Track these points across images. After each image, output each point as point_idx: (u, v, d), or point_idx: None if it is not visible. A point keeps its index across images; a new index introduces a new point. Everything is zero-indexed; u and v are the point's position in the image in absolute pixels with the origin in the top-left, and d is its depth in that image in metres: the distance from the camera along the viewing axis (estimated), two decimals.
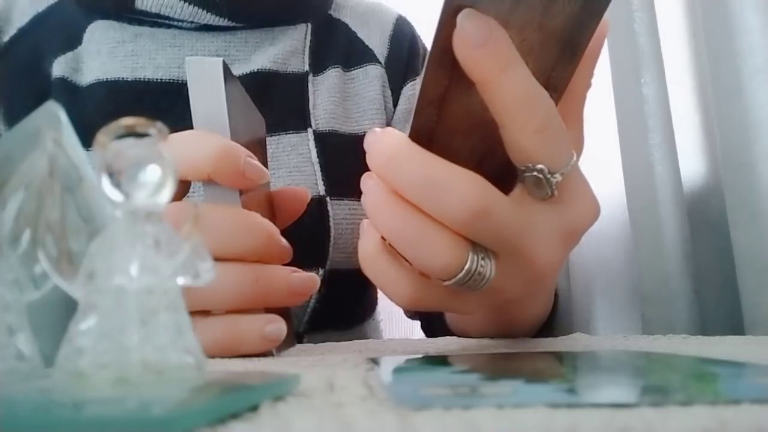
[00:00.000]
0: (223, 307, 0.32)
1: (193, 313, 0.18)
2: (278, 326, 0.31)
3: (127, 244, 0.16)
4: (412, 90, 0.65)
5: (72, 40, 0.57)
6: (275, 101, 0.57)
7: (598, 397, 0.16)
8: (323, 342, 0.47)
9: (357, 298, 0.62)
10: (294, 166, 0.55)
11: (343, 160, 0.55)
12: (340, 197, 0.56)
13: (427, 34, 0.70)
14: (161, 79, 0.56)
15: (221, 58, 0.33)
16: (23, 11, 0.59)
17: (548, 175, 0.26)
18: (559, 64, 0.27)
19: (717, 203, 0.60)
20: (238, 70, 0.57)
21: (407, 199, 0.26)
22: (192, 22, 0.57)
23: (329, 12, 0.65)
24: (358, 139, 0.59)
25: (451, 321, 0.47)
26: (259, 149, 0.38)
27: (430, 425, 0.13)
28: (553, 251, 0.28)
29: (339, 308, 0.57)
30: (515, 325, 0.40)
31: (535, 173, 0.26)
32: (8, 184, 0.19)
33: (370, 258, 0.29)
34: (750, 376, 0.19)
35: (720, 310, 0.60)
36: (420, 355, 0.28)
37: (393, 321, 0.79)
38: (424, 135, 0.26)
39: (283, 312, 0.33)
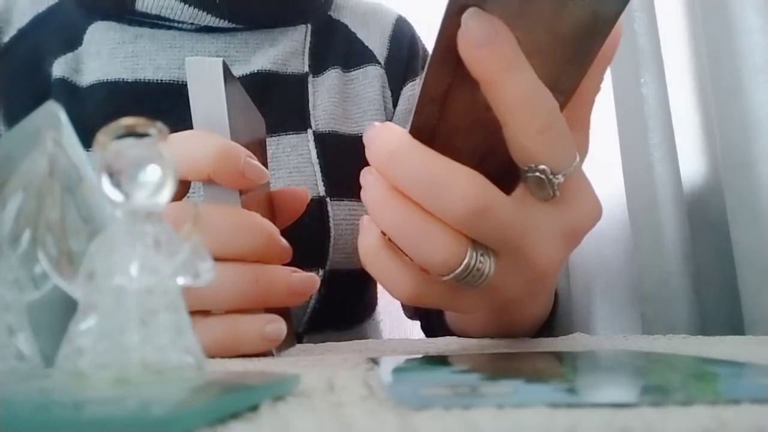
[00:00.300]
0: (223, 307, 0.32)
1: (193, 313, 0.18)
2: (278, 326, 0.31)
3: (127, 244, 0.16)
4: (411, 90, 0.65)
5: (72, 41, 0.57)
6: (275, 102, 0.57)
7: (598, 397, 0.16)
8: (323, 342, 0.47)
9: (357, 298, 0.62)
10: (294, 167, 0.55)
11: (343, 161, 0.55)
12: (340, 198, 0.56)
13: (427, 35, 0.70)
14: (161, 80, 0.56)
15: (221, 59, 0.33)
16: (23, 12, 0.59)
17: (550, 176, 0.26)
18: (569, 68, 0.27)
19: (717, 203, 0.60)
20: (238, 71, 0.57)
21: (407, 195, 0.26)
22: (192, 23, 0.57)
23: (329, 13, 0.65)
24: (357, 140, 0.59)
25: (451, 321, 0.47)
26: (259, 149, 0.38)
27: (430, 425, 0.13)
28: (554, 251, 0.28)
29: (339, 308, 0.57)
30: (515, 325, 0.40)
31: (537, 173, 0.26)
32: (8, 184, 0.19)
33: (371, 253, 0.29)
34: (750, 376, 0.19)
35: (720, 310, 0.60)
36: (420, 355, 0.28)
37: (393, 321, 0.79)
38: (426, 132, 0.26)
39: (283, 312, 0.33)
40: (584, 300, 0.71)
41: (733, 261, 0.54)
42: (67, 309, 0.17)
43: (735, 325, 0.56)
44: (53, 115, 0.20)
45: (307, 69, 0.60)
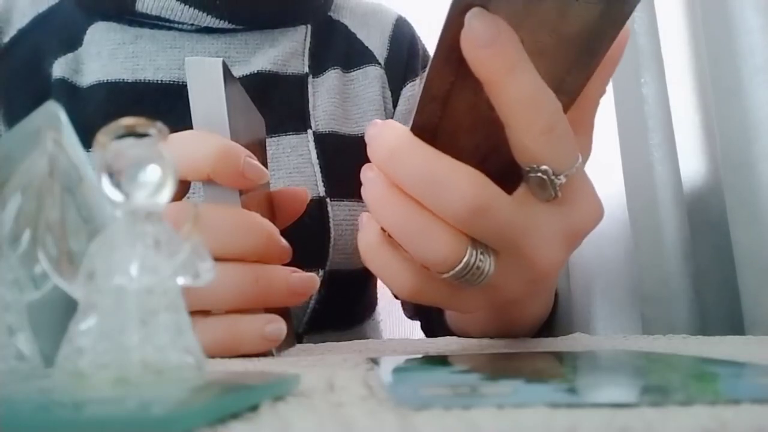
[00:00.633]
0: (223, 307, 0.32)
1: (193, 313, 0.18)
2: (278, 326, 0.31)
3: (127, 244, 0.16)
4: (411, 91, 0.65)
5: (72, 42, 0.57)
6: (275, 103, 0.57)
7: (598, 397, 0.16)
8: (323, 342, 0.47)
9: (357, 298, 0.62)
10: (294, 168, 0.56)
11: (343, 161, 0.55)
12: (340, 198, 0.56)
13: (427, 35, 0.70)
14: (161, 81, 0.56)
15: (221, 59, 0.33)
16: (23, 12, 0.59)
17: (552, 177, 0.26)
18: (575, 69, 0.27)
19: (717, 203, 0.60)
20: (238, 72, 0.57)
21: (407, 193, 0.26)
22: (192, 24, 0.57)
23: (329, 13, 0.65)
24: (357, 140, 0.59)
25: (452, 321, 0.47)
26: (259, 150, 0.38)
27: (430, 425, 0.13)
28: (554, 252, 0.28)
29: (339, 309, 0.57)
30: (516, 325, 0.40)
31: (539, 174, 0.26)
32: (8, 184, 0.19)
33: (371, 249, 0.29)
34: (750, 376, 0.19)
35: (720, 310, 0.60)
36: (420, 355, 0.28)
37: (393, 321, 0.79)
38: (427, 130, 0.26)
39: (283, 312, 0.33)
40: (584, 300, 0.71)
41: (733, 261, 0.54)
42: (67, 309, 0.17)
43: (735, 325, 0.56)
44: (53, 115, 0.20)
45: (307, 69, 0.60)
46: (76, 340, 0.16)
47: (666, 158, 0.60)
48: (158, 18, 0.56)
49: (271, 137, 0.55)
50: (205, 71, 0.33)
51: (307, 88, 0.59)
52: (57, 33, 0.57)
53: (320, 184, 0.55)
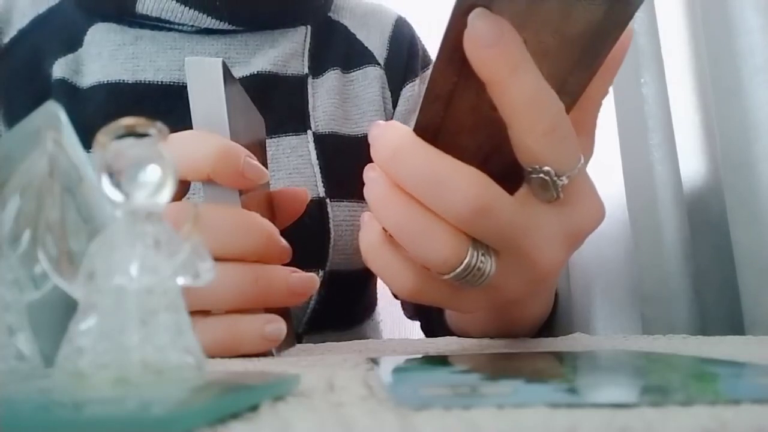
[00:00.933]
0: (223, 307, 0.32)
1: (193, 313, 0.18)
2: (278, 326, 0.31)
3: (127, 244, 0.16)
4: (411, 91, 0.65)
5: (73, 42, 0.57)
6: (275, 103, 0.57)
7: (598, 397, 0.16)
8: (323, 342, 0.47)
9: (356, 298, 0.62)
10: (294, 168, 0.56)
11: (343, 162, 0.55)
12: (340, 199, 0.56)
13: (427, 35, 0.70)
14: (162, 82, 0.56)
15: (221, 59, 0.33)
16: (23, 12, 0.59)
17: (554, 178, 0.26)
18: (577, 70, 0.27)
19: (717, 203, 0.60)
20: (238, 73, 0.57)
21: (409, 193, 0.26)
22: (192, 25, 0.57)
23: (328, 14, 0.65)
24: (357, 141, 0.59)
25: (452, 321, 0.47)
26: (258, 150, 0.38)
27: (430, 425, 0.13)
28: (555, 252, 0.28)
29: (338, 309, 0.57)
30: (516, 325, 0.40)
31: (541, 175, 0.26)
32: (8, 184, 0.19)
33: (373, 249, 0.29)
34: (750, 376, 0.19)
35: (720, 310, 0.60)
36: (420, 355, 0.28)
37: (393, 321, 0.79)
38: (430, 130, 0.26)
39: (283, 312, 0.33)
40: (584, 300, 0.71)
41: (733, 261, 0.54)
42: (67, 309, 0.17)
43: (735, 325, 0.56)
44: (53, 115, 0.20)
45: (306, 70, 0.60)
46: (76, 340, 0.16)
47: (666, 158, 0.60)
48: (158, 19, 0.56)
49: (271, 138, 0.55)
50: (205, 71, 0.33)
51: (306, 88, 0.59)
52: (57, 34, 0.57)
53: (320, 184, 0.55)
